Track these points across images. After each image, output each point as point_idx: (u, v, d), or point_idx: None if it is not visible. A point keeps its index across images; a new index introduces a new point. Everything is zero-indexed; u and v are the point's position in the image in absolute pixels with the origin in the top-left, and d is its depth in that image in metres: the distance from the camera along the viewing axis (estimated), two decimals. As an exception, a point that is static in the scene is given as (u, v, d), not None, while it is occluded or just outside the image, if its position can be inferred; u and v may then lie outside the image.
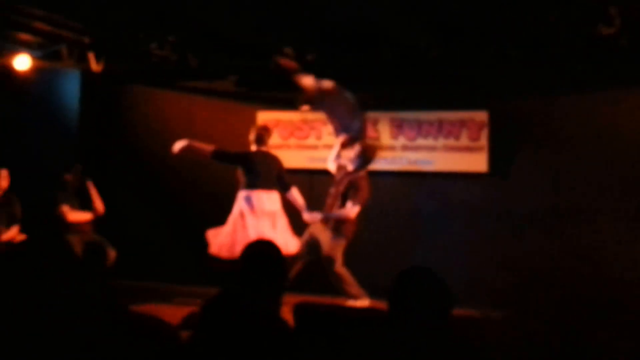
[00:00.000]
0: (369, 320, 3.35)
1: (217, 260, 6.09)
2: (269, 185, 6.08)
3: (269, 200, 6.07)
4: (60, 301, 1.52)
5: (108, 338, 1.53)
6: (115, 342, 1.58)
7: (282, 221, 6.18)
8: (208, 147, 6.23)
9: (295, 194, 6.35)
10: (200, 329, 2.42)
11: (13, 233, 6.73)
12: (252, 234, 5.73)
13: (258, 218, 5.98)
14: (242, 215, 6.02)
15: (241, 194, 6.10)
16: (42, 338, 1.39)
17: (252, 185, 6.05)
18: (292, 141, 7.58)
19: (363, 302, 6.02)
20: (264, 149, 6.28)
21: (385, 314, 2.96)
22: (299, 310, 3.48)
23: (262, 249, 2.83)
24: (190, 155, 6.38)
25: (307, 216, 6.28)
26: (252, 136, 6.33)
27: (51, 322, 1.40)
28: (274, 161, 6.26)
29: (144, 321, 2.09)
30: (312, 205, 7.37)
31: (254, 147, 6.29)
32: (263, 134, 6.34)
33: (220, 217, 7.49)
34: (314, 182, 7.50)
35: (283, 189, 6.25)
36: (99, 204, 7.09)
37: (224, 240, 6.04)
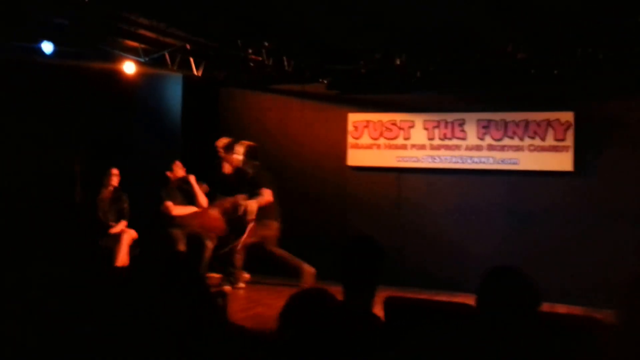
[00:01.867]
0: (457, 315, 3.28)
1: None
2: None
3: None
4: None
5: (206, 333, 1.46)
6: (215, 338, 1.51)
7: None
8: None
9: None
10: (293, 323, 2.49)
11: (121, 227, 7.17)
12: None
13: None
14: None
15: None
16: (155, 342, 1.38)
17: None
18: (382, 141, 7.76)
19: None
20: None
21: (473, 310, 3.06)
22: (389, 304, 3.49)
23: (362, 245, 2.81)
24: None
25: None
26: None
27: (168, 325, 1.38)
28: None
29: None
30: (399, 203, 7.62)
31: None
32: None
33: (314, 210, 7.83)
34: (401, 180, 7.72)
35: None
36: (201, 199, 7.48)
37: None
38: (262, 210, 7.05)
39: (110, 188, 7.33)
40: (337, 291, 2.60)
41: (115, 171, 7.33)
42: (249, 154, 7.26)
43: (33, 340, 2.42)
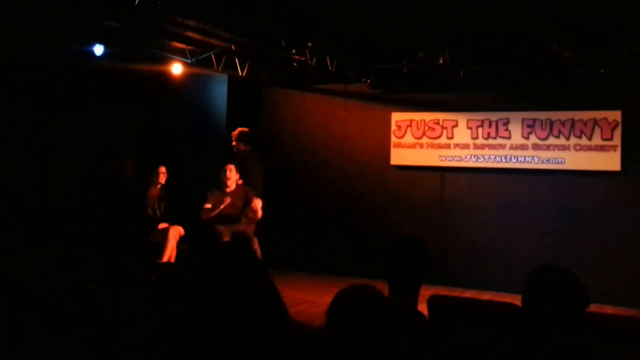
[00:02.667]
0: (503, 315, 3.23)
1: None
2: None
3: None
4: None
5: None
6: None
7: None
8: None
9: None
10: (342, 319, 2.73)
11: (166, 223, 7.29)
12: None
13: None
14: None
15: None
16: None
17: None
18: (425, 140, 7.76)
19: None
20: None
21: (519, 310, 3.04)
22: (433, 303, 3.46)
23: (408, 244, 2.81)
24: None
25: None
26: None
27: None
28: None
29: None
30: (443, 202, 7.61)
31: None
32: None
33: (357, 209, 7.87)
34: (445, 179, 7.70)
35: None
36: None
37: None
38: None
39: (158, 185, 7.50)
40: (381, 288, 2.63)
41: (162, 169, 7.49)
42: (240, 139, 7.22)
43: (88, 331, 2.54)
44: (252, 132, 7.36)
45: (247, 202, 6.84)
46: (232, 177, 6.87)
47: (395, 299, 2.69)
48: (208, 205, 6.80)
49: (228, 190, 6.82)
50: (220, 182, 6.87)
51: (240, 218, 6.90)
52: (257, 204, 6.81)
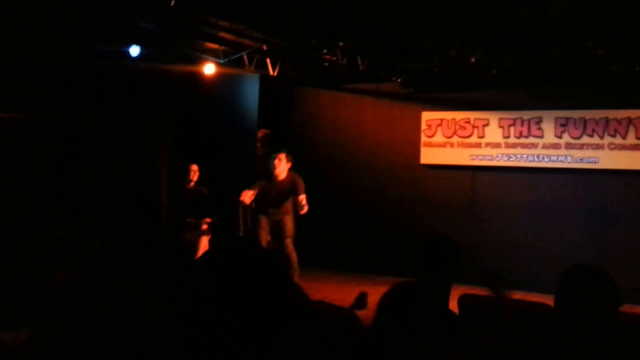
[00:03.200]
0: (534, 315, 3.16)
1: None
2: None
3: None
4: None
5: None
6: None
7: None
8: None
9: None
10: (381, 317, 2.76)
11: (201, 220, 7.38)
12: None
13: None
14: None
15: None
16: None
17: None
18: (455, 139, 7.73)
19: None
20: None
21: (550, 310, 3.02)
22: (464, 301, 3.49)
23: (439, 243, 2.85)
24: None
25: None
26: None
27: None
28: None
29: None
30: (473, 201, 7.58)
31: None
32: None
33: (387, 207, 7.87)
34: (475, 178, 7.67)
35: None
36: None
37: None
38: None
39: (191, 184, 7.60)
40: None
41: (194, 167, 7.58)
42: (259, 141, 7.18)
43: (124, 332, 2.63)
44: (268, 134, 7.40)
45: (294, 192, 6.81)
46: (280, 166, 6.80)
47: (426, 297, 2.59)
48: (249, 191, 6.80)
49: (276, 179, 6.82)
50: (269, 170, 6.89)
51: (282, 204, 6.82)
52: (303, 198, 6.77)
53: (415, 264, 2.77)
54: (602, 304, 2.17)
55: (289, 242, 6.83)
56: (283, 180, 6.85)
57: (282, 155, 6.85)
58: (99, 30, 6.14)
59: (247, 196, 6.79)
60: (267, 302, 1.31)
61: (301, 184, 6.79)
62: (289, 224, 6.86)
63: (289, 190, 6.83)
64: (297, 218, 7.00)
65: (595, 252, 6.69)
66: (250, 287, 1.32)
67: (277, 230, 6.91)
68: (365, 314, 2.56)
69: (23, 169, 7.32)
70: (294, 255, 6.80)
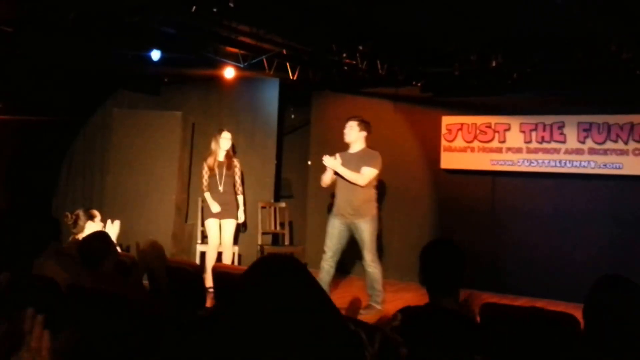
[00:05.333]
0: (560, 325, 3.08)
1: None
2: None
3: None
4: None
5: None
6: None
7: None
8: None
9: None
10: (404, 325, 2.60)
11: None
12: None
13: None
14: None
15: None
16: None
17: None
18: (476, 144, 7.65)
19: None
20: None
21: (575, 321, 2.87)
22: (486, 311, 3.38)
23: (442, 248, 2.83)
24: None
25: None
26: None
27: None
28: None
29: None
30: (494, 206, 7.50)
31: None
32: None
33: (408, 212, 7.80)
34: (496, 183, 7.59)
35: None
36: None
37: None
38: None
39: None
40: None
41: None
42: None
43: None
44: None
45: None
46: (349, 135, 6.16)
47: (434, 302, 2.70)
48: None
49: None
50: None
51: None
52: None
53: (420, 271, 2.77)
54: (632, 316, 2.10)
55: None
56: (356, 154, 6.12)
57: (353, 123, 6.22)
58: (120, 34, 6.19)
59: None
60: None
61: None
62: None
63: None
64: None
65: (619, 260, 6.57)
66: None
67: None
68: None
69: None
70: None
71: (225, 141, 7.34)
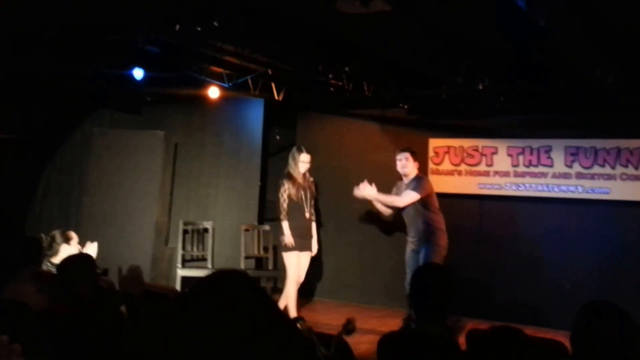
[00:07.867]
0: (548, 353, 3.01)
1: None
2: None
3: None
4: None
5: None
6: None
7: None
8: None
9: None
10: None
11: None
12: None
13: None
14: None
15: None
16: None
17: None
18: (463, 167, 7.60)
19: None
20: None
21: (563, 347, 2.88)
22: (472, 336, 3.22)
23: (432, 273, 2.87)
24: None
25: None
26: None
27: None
28: None
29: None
30: (481, 230, 7.41)
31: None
32: None
33: (391, 234, 7.71)
34: (484, 207, 7.51)
35: None
36: None
37: None
38: None
39: None
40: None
41: None
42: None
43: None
44: None
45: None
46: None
47: (422, 327, 2.69)
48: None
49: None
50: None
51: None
52: None
53: (409, 295, 2.79)
54: (623, 343, 2.10)
55: None
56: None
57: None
58: (102, 52, 6.09)
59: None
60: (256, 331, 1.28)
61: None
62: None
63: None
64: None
65: (607, 285, 6.51)
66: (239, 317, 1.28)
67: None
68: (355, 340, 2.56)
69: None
70: None
71: (304, 164, 6.75)
